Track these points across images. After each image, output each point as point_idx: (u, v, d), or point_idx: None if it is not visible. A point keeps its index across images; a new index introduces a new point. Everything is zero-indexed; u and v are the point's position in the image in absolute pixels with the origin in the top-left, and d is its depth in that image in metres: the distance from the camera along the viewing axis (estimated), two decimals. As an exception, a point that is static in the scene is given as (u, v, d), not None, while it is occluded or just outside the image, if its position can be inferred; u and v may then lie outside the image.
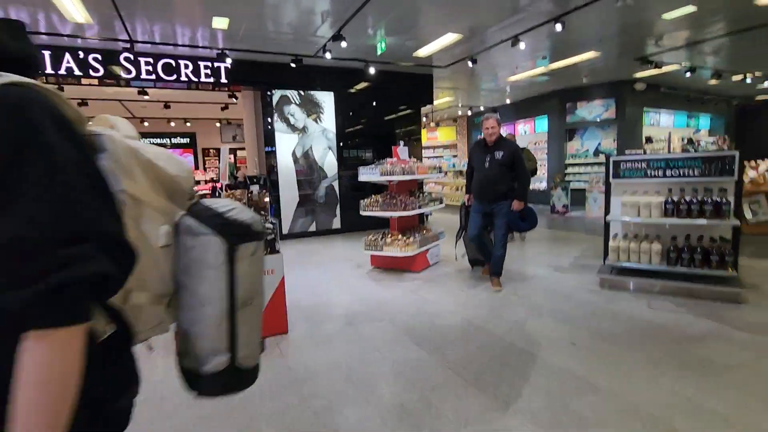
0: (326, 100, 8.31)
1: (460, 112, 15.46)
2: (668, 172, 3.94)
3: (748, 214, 6.50)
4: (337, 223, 8.55)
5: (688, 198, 3.74)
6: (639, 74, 10.33)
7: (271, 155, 7.90)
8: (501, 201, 4.14)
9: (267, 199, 3.42)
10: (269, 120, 7.82)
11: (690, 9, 5.82)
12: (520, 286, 4.34)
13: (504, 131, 5.55)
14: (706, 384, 2.30)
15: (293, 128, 8.05)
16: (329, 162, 8.43)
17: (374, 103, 8.89)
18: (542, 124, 13.07)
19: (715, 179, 3.75)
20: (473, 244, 4.55)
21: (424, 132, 16.31)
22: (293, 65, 6.92)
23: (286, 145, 8.00)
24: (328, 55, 6.43)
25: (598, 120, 11.60)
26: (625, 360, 2.63)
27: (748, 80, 10.21)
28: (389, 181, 5.12)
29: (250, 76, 7.54)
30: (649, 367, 2.51)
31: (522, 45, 6.30)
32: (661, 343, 2.85)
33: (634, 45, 7.77)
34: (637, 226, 4.16)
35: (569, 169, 12.28)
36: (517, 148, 4.24)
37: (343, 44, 5.85)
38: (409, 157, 5.47)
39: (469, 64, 7.40)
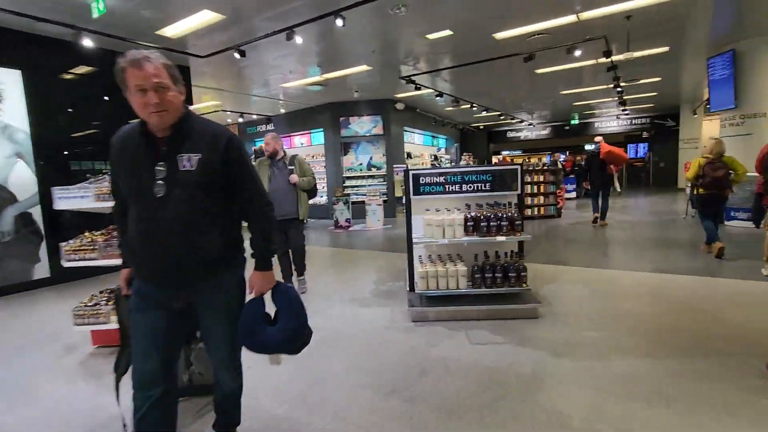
0: (6, 80, 5.33)
1: (229, 120, 13.65)
2: (464, 187, 3.73)
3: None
4: (42, 271, 5.61)
5: (486, 214, 3.57)
6: (399, 95, 11.24)
7: None
8: (211, 280, 1.62)
9: None
10: None
11: (447, 33, 6.24)
12: (328, 335, 3.34)
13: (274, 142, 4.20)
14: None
15: (-68, 121, 4.77)
16: (19, 178, 5.44)
17: (107, 98, 6.34)
18: (318, 137, 12.81)
19: (504, 193, 3.73)
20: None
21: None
22: None
23: None
24: (-13, 0, 3.88)
25: (369, 135, 12.10)
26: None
27: (474, 108, 12.59)
28: (118, 208, 3.26)
29: None
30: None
31: (299, 39, 5.42)
32: (510, 400, 2.33)
33: (399, 63, 8.13)
34: (440, 246, 3.82)
35: (347, 183, 12.38)
36: (233, 138, 1.62)
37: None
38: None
39: (236, 55, 6.04)
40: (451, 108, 13.86)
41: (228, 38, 5.96)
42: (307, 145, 13.30)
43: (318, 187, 4.87)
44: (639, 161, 21.52)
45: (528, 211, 10.09)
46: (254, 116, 12.84)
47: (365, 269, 5.70)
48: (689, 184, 5.95)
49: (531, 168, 10.25)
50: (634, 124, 18.65)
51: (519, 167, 3.73)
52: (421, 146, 16.08)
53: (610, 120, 18.72)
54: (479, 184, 3.71)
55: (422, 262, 3.74)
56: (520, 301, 3.57)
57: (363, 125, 12.04)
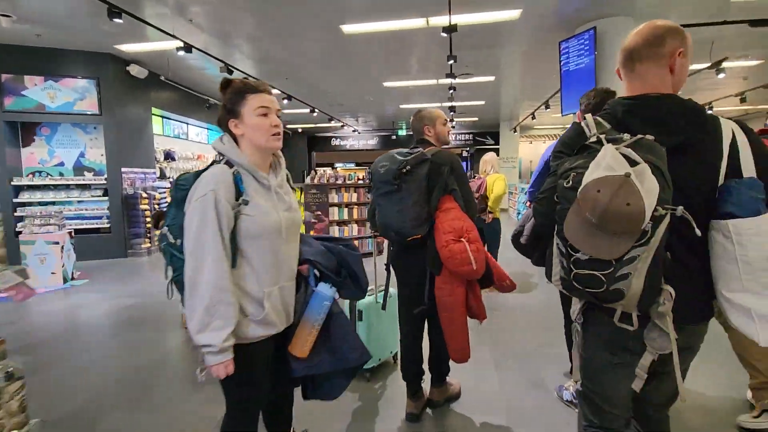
0: None
1: None
2: None
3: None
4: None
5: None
6: (124, 47, 6.48)
7: None
8: None
9: None
10: None
11: None
12: None
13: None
14: None
15: None
16: None
17: None
18: (-31, 109, 6.87)
19: None
20: None
21: None
22: None
23: None
24: None
25: (71, 113, 6.86)
26: None
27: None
28: None
29: None
30: None
31: None
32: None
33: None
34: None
35: (27, 196, 6.81)
36: None
37: None
38: None
39: None
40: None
41: None
42: (-48, 125, 7.13)
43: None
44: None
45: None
46: None
47: None
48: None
49: (331, 183, 6.81)
50: (458, 139, 17.81)
51: None
52: (204, 144, 11.32)
53: (437, 133, 17.40)
54: None
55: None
56: None
57: (56, 93, 6.73)
